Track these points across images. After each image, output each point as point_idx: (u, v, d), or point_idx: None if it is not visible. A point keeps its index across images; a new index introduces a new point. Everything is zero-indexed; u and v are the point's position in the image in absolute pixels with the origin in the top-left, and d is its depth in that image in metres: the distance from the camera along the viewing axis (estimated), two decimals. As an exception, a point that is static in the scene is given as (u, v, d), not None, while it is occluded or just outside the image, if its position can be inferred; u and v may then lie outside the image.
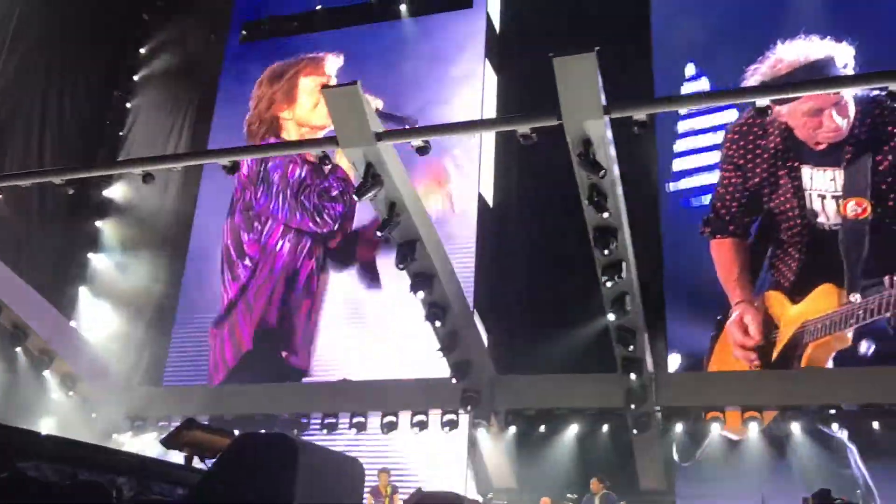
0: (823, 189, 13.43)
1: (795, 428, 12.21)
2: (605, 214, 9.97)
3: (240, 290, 16.99)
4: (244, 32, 19.93)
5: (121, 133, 19.86)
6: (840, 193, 13.27)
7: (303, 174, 17.47)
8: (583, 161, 9.50)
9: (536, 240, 15.28)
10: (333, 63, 18.28)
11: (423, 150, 10.15)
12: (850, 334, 12.51)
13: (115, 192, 18.75)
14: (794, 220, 13.66)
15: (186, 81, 19.97)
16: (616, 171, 10.07)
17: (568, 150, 9.64)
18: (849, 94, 13.32)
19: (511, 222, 16.09)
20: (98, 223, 18.66)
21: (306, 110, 18.17)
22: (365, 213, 16.12)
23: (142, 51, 20.79)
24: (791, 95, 12.87)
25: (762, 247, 13.92)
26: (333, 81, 17.17)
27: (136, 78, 20.51)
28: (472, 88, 16.78)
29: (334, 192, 17.23)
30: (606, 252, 10.32)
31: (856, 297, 12.49)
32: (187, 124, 19.46)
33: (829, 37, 14.09)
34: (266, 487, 2.53)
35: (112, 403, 14.60)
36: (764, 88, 12.76)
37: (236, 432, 5.85)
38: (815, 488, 9.43)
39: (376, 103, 15.74)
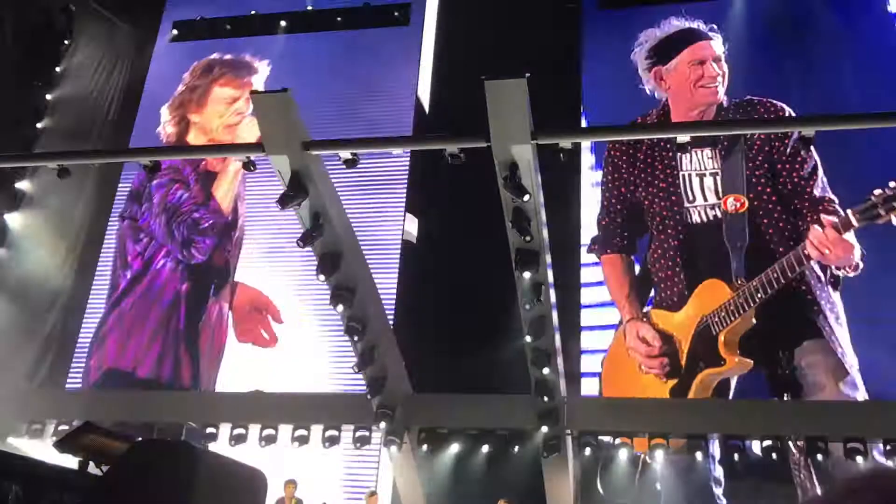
0: (702, 168, 13.58)
1: (699, 456, 12.54)
2: (528, 238, 10.11)
3: (113, 304, 16.53)
4: (175, 31, 19.55)
5: (38, 125, 19.15)
6: (718, 171, 13.48)
7: (181, 199, 17.09)
8: (508, 184, 9.62)
9: (458, 260, 15.38)
10: (259, 75, 18.02)
11: (351, 163, 10.11)
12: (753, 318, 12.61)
13: (28, 185, 18.06)
14: (670, 218, 13.64)
15: (111, 77, 19.43)
16: (541, 196, 10.24)
17: (493, 174, 9.76)
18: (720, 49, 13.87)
19: (434, 241, 16.18)
20: (6, 216, 17.92)
21: (212, 120, 17.87)
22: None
23: (66, 42, 20.14)
24: (717, 133, 13.40)
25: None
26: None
27: (57, 69, 19.84)
28: (404, 106, 16.86)
29: (204, 225, 16.89)
30: (527, 275, 10.46)
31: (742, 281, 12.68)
32: (110, 120, 18.93)
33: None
34: (162, 495, 2.44)
35: (9, 405, 13.94)
36: (689, 124, 13.20)
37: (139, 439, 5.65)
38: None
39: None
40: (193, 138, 17.62)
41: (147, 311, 16.18)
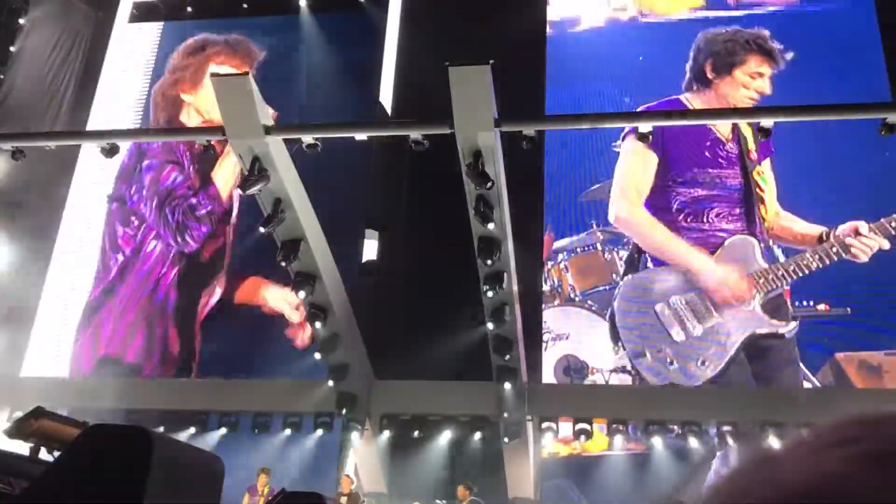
0: None
1: (657, 442, 12.74)
2: (491, 225, 10.14)
3: (105, 292, 16.14)
4: (134, 12, 19.16)
5: (-8, 105, 18.65)
6: None
7: (175, 182, 16.48)
8: (472, 172, 9.64)
9: (420, 246, 15.36)
10: (256, 55, 17.45)
11: (312, 148, 10.04)
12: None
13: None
14: None
15: (68, 57, 18.98)
16: (504, 183, 10.26)
17: (457, 161, 9.76)
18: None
19: (395, 227, 16.14)
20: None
21: (209, 100, 17.42)
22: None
23: (21, 21, 19.61)
24: (676, 123, 13.54)
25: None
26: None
27: (12, 49, 19.32)
28: (368, 92, 16.74)
29: (201, 212, 16.13)
30: (489, 262, 10.51)
31: None
32: (66, 101, 18.50)
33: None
34: (115, 480, 2.41)
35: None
36: (648, 114, 13.31)
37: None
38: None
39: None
40: (186, 118, 17.17)
41: (138, 298, 15.70)
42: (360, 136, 10.75)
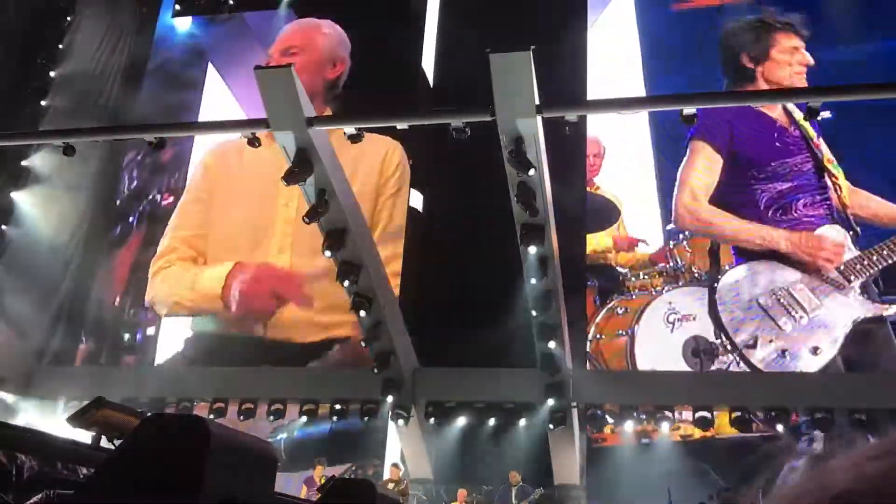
0: None
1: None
2: (533, 213, 10.10)
3: None
4: (177, 7, 19.42)
5: (42, 102, 19.08)
6: None
7: None
8: (513, 158, 9.61)
9: (463, 233, 15.34)
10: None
11: (355, 139, 10.10)
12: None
13: (35, 162, 18.03)
14: None
15: (113, 52, 19.33)
16: (546, 169, 10.21)
17: (499, 150, 9.74)
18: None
19: (440, 216, 16.15)
20: (13, 194, 17.93)
21: None
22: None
23: (69, 18, 20.01)
24: (720, 105, 13.35)
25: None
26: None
27: (61, 46, 19.73)
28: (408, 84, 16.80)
29: None
30: (532, 250, 10.48)
31: None
32: (113, 96, 18.85)
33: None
34: (174, 468, 2.49)
35: (19, 382, 14.08)
36: (693, 96, 13.11)
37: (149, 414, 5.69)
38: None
39: None
40: None
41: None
42: (402, 125, 10.75)
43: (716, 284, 14.33)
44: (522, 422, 13.01)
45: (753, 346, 13.68)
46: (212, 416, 13.74)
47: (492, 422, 13.20)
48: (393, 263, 14.86)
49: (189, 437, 2.81)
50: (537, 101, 9.49)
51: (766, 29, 15.34)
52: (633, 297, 14.88)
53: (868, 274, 13.78)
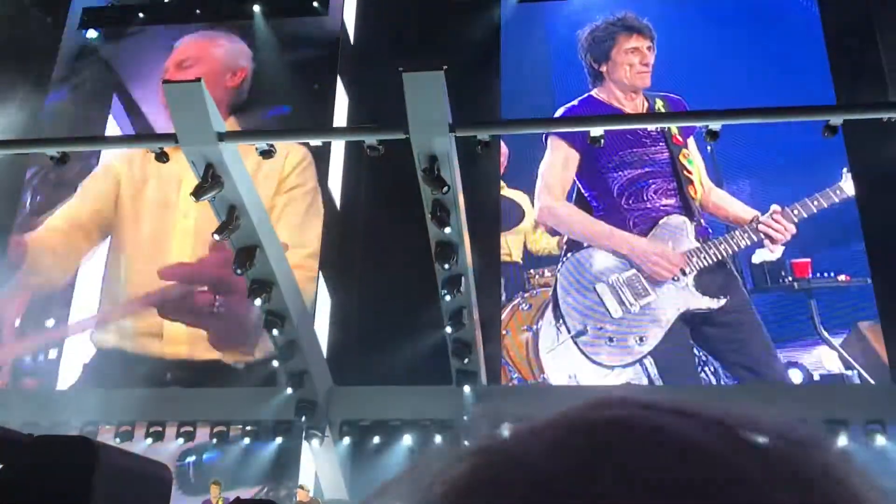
0: None
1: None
2: (447, 230, 10.18)
3: None
4: (85, 18, 18.85)
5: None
6: None
7: None
8: (427, 176, 9.68)
9: (378, 251, 15.33)
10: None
11: (267, 154, 10.00)
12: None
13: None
14: None
15: (17, 63, 18.57)
16: (459, 187, 10.31)
17: (414, 164, 9.79)
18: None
19: (354, 232, 16.09)
20: None
21: None
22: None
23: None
24: (627, 127, 13.78)
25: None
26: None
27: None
28: (324, 98, 16.68)
29: None
30: (447, 266, 10.54)
31: None
32: (16, 108, 18.10)
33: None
34: (60, 491, 2.40)
35: None
36: (600, 118, 13.49)
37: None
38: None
39: None
40: None
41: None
42: (315, 142, 10.70)
43: (558, 270, 14.87)
44: (438, 439, 13.01)
45: (584, 333, 14.20)
46: (117, 440, 13.25)
47: (408, 439, 13.16)
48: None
49: (75, 457, 2.72)
50: (450, 120, 9.59)
51: (607, 30, 16.04)
52: (537, 293, 15.10)
53: (702, 267, 14.33)
